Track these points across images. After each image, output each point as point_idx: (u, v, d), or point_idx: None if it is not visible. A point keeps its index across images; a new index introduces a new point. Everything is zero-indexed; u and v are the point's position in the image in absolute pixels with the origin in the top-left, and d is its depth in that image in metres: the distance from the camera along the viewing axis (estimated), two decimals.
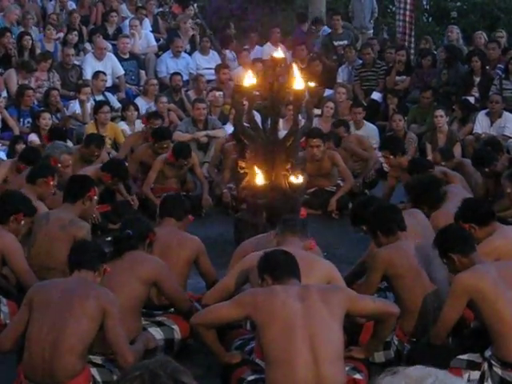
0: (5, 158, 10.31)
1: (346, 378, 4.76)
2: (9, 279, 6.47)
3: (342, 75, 14.00)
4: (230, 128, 10.97)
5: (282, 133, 8.57)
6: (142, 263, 5.59)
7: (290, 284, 4.79)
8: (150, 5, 15.89)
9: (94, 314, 4.80)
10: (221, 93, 12.41)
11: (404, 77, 13.60)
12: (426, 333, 5.41)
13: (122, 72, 13.43)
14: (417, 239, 5.97)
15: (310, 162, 9.47)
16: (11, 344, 5.01)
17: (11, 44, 12.88)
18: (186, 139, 10.84)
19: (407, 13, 14.63)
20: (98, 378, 5.00)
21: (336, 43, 14.68)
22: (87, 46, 14.21)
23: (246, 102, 8.39)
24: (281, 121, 9.22)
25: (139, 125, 11.36)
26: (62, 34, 14.13)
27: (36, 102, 12.02)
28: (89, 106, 12.01)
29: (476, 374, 5.09)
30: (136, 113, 11.67)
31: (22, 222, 6.45)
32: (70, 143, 10.51)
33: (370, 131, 11.63)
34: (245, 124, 8.20)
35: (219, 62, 13.93)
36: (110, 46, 13.87)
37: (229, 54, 14.46)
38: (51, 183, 7.45)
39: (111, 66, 13.32)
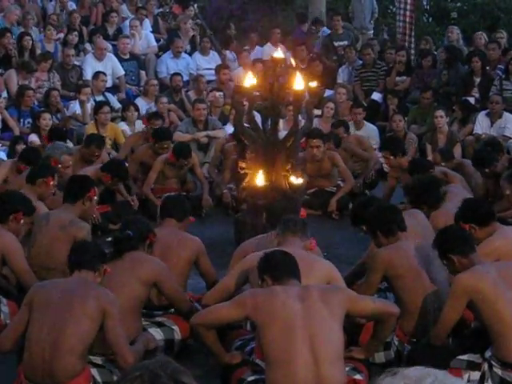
0: (5, 158, 10.31)
1: (346, 379, 4.76)
2: (9, 279, 6.48)
3: (342, 76, 14.00)
4: (230, 128, 10.97)
5: (282, 133, 8.57)
6: (142, 264, 5.59)
7: (290, 284, 4.79)
8: (151, 5, 15.89)
9: (94, 315, 4.80)
10: (221, 93, 12.42)
11: (404, 77, 13.60)
12: (426, 333, 5.41)
13: (122, 72, 13.43)
14: (417, 239, 5.97)
15: (310, 162, 9.48)
16: (11, 344, 5.01)
17: (11, 44, 12.87)
18: (186, 140, 10.84)
19: (407, 13, 14.63)
20: (98, 378, 5.00)
21: (336, 44, 14.69)
22: (87, 46, 14.21)
23: (246, 103, 8.39)
24: (281, 121, 9.23)
25: (139, 125, 11.36)
26: (62, 35, 14.12)
27: (36, 103, 12.02)
28: (89, 106, 12.01)
29: (476, 375, 5.09)
30: (136, 113, 11.67)
31: (22, 221, 6.45)
32: (70, 144, 10.52)
33: (370, 132, 11.63)
34: (245, 124, 8.20)
35: (219, 62, 13.93)
36: (110, 47, 13.86)
37: (229, 54, 14.46)
38: (51, 183, 7.45)
39: (111, 67, 13.32)
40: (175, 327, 5.85)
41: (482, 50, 13.40)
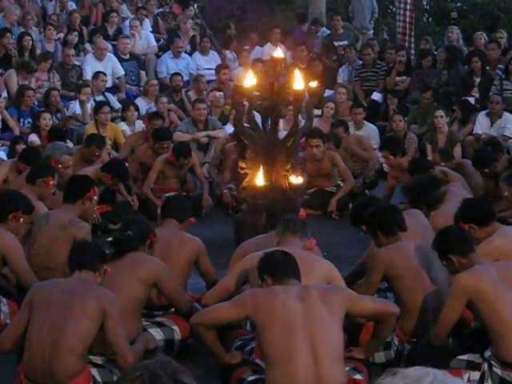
0: (5, 158, 10.32)
1: (346, 379, 4.76)
2: (9, 279, 6.48)
3: (342, 76, 14.00)
4: (230, 128, 10.97)
5: (282, 133, 8.57)
6: (142, 264, 5.59)
7: (290, 284, 4.80)
8: (151, 5, 15.89)
9: (94, 315, 4.81)
10: (221, 93, 12.42)
11: (404, 77, 13.60)
12: (426, 333, 5.41)
13: (122, 72, 13.43)
14: (417, 239, 5.97)
15: (310, 162, 9.47)
16: (11, 344, 5.01)
17: (11, 44, 12.87)
18: (186, 139, 10.84)
19: (407, 13, 14.63)
20: (99, 378, 5.00)
21: (336, 43, 14.68)
22: (87, 46, 14.21)
23: (246, 103, 8.39)
24: (281, 121, 9.22)
25: (139, 125, 11.37)
26: (62, 35, 14.12)
27: (36, 103, 12.02)
28: (89, 106, 12.01)
29: (476, 375, 5.09)
30: (136, 113, 11.68)
31: (21, 220, 6.46)
32: (70, 143, 10.52)
33: (370, 132, 11.63)
34: (245, 124, 8.20)
35: (219, 62, 13.94)
36: (110, 47, 13.86)
37: (229, 54, 14.46)
38: (51, 183, 7.46)
39: (111, 67, 13.32)
40: (175, 327, 5.86)
41: (482, 49, 13.39)
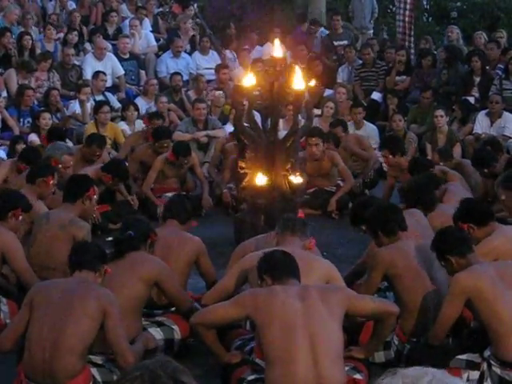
0: (5, 157, 10.32)
1: (346, 378, 4.76)
2: (9, 279, 6.48)
3: (341, 75, 14.00)
4: (230, 128, 10.97)
5: (282, 133, 8.57)
6: (143, 263, 5.60)
7: (290, 284, 4.80)
8: (150, 5, 15.90)
9: (95, 315, 4.81)
10: (221, 92, 12.42)
11: (404, 77, 13.60)
12: (426, 333, 5.41)
13: (122, 72, 13.43)
14: (417, 239, 5.97)
15: (310, 161, 9.47)
16: (11, 344, 5.02)
17: (11, 44, 12.88)
18: (186, 139, 10.84)
19: (407, 13, 14.62)
20: (99, 377, 5.00)
21: (336, 43, 14.69)
22: (87, 46, 14.21)
23: (246, 102, 8.39)
24: (281, 121, 9.22)
25: (139, 125, 11.37)
26: (62, 34, 14.13)
27: (36, 102, 12.03)
28: (89, 105, 12.01)
29: (475, 374, 5.10)
30: (136, 113, 11.68)
31: (20, 218, 6.47)
32: (69, 143, 10.52)
33: (370, 131, 11.64)
34: (245, 124, 8.20)
35: (219, 61, 13.94)
36: (110, 46, 13.87)
37: (229, 53, 14.46)
38: (51, 183, 7.46)
39: (111, 66, 13.33)
40: (175, 327, 5.86)
41: (482, 49, 13.40)
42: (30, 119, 11.54)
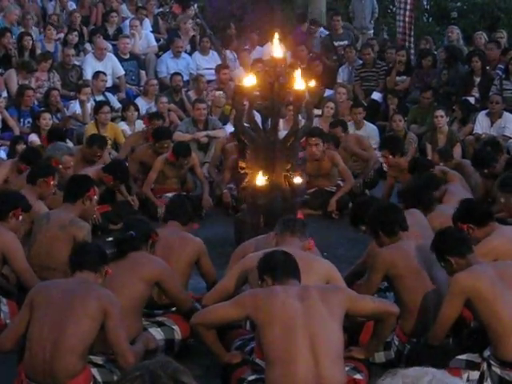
0: (5, 158, 10.32)
1: (346, 378, 4.76)
2: (9, 279, 6.48)
3: (342, 75, 14.00)
4: (230, 128, 10.98)
5: (283, 133, 8.57)
6: (144, 263, 5.61)
7: (290, 284, 4.80)
8: (151, 5, 15.90)
9: (95, 315, 4.81)
10: (221, 93, 12.43)
11: (404, 77, 13.60)
12: (427, 333, 5.41)
13: (122, 72, 13.44)
14: (418, 239, 5.97)
15: (310, 161, 9.47)
16: (12, 344, 5.02)
17: (11, 44, 12.88)
18: (186, 139, 10.84)
19: (407, 13, 14.62)
20: (99, 378, 5.00)
21: (336, 43, 14.69)
22: (87, 46, 14.21)
23: (246, 103, 8.39)
24: (281, 121, 9.22)
25: (139, 125, 11.37)
26: (62, 35, 14.13)
27: (36, 102, 12.03)
28: (89, 106, 12.02)
29: (475, 374, 5.10)
30: (136, 113, 11.68)
31: (20, 218, 6.47)
32: (70, 143, 10.53)
33: (370, 131, 11.64)
34: (245, 124, 8.20)
35: (219, 62, 13.94)
36: (110, 47, 13.87)
37: (229, 54, 14.46)
38: (51, 183, 7.47)
39: (111, 67, 13.33)
40: (175, 327, 5.86)
41: (482, 49, 13.40)
42: (30, 119, 11.54)
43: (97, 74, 12.66)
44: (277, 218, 5.96)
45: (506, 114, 11.64)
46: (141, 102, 12.34)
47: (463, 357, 5.16)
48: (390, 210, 6.10)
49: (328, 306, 4.68)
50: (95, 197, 7.02)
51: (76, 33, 13.85)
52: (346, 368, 4.84)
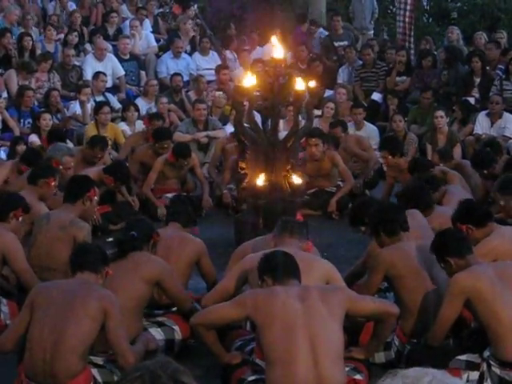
0: (5, 158, 10.32)
1: (347, 379, 4.77)
2: (9, 279, 6.49)
3: (342, 76, 14.01)
4: (230, 129, 10.98)
5: (283, 133, 8.58)
6: (144, 263, 5.61)
7: (290, 285, 4.80)
8: (151, 5, 15.90)
9: (96, 315, 4.81)
10: (221, 93, 12.43)
11: (404, 77, 13.60)
12: (427, 333, 5.41)
13: (122, 73, 13.44)
14: (418, 240, 5.97)
15: (310, 162, 9.48)
16: (12, 345, 5.02)
17: (11, 45, 12.88)
18: (186, 140, 10.85)
19: (407, 13, 14.63)
20: (99, 378, 5.01)
21: (336, 44, 14.69)
22: (87, 46, 14.21)
23: (246, 103, 8.40)
24: (281, 121, 9.24)
25: (139, 125, 11.38)
26: (62, 35, 14.13)
27: (36, 103, 12.03)
28: (89, 106, 12.02)
29: (475, 375, 5.10)
30: (136, 113, 11.68)
31: (21, 218, 6.48)
32: (70, 144, 10.53)
33: (370, 132, 11.64)
34: (245, 125, 8.21)
35: (219, 62, 13.94)
36: (110, 47, 13.87)
37: (229, 54, 14.46)
38: (52, 184, 7.47)
39: (111, 67, 13.33)
40: (176, 327, 5.87)
41: (482, 50, 13.40)
42: (30, 120, 11.54)
43: (97, 75, 12.66)
44: (277, 218, 5.96)
45: (506, 115, 11.65)
46: (141, 103, 12.34)
47: (463, 357, 5.16)
48: (392, 209, 6.11)
49: (328, 306, 4.68)
50: (95, 197, 7.03)
51: (76, 33, 13.85)
52: (346, 368, 4.84)
